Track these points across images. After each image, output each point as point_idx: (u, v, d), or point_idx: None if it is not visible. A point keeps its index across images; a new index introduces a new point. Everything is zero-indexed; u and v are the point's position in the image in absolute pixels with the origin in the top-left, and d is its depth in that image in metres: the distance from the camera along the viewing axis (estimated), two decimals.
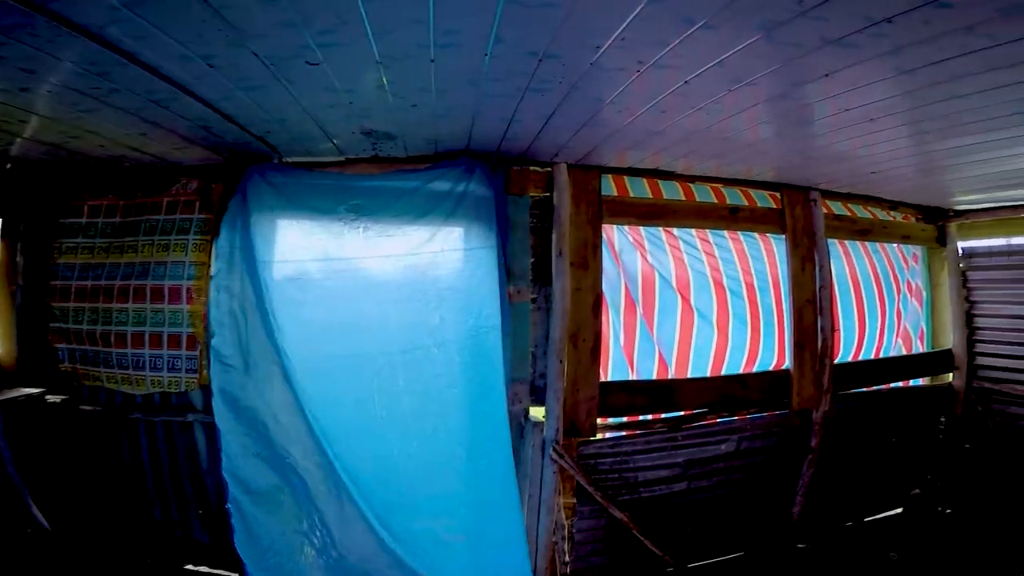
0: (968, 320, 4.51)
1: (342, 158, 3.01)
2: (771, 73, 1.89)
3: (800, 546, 3.75)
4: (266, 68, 1.88)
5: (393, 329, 2.63)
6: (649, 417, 3.47)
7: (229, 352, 2.66)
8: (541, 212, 3.22)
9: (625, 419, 3.40)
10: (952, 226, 4.54)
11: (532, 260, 3.17)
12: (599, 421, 3.28)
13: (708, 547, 3.59)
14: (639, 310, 3.41)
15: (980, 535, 3.77)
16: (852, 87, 2.00)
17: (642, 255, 3.44)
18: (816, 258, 3.69)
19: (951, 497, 4.29)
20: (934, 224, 4.54)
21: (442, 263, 2.71)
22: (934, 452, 4.47)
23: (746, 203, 3.66)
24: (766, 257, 3.76)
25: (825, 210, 3.86)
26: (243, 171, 2.93)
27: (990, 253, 4.41)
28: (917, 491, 4.20)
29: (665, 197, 3.43)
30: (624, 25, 1.58)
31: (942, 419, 4.50)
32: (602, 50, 1.75)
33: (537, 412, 3.21)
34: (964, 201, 4.25)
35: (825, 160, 3.08)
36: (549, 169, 3.16)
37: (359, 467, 2.60)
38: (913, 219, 4.49)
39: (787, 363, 3.71)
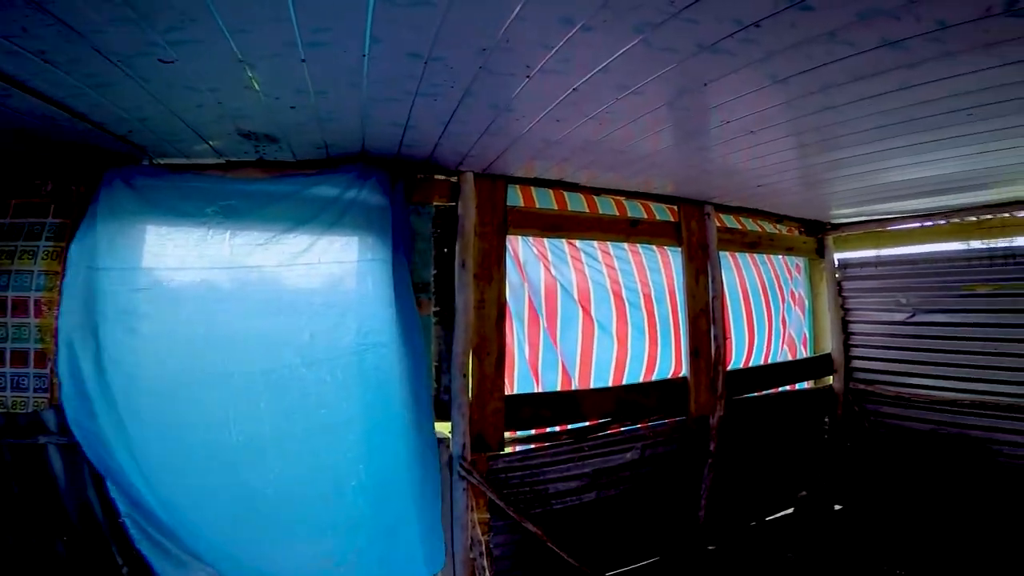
0: (844, 326, 4.89)
1: (223, 160, 2.74)
2: (655, 81, 1.90)
3: (710, 548, 3.84)
4: (114, 65, 1.68)
5: (256, 347, 2.37)
6: (556, 429, 3.43)
7: (66, 370, 2.31)
8: (445, 222, 3.10)
9: (532, 432, 3.35)
10: (830, 239, 4.93)
11: (435, 272, 3.05)
12: (507, 435, 3.22)
13: (624, 555, 3.60)
14: (543, 322, 3.37)
15: (867, 529, 4.02)
16: (733, 97, 2.05)
17: (545, 267, 3.42)
18: (709, 269, 3.84)
19: (840, 494, 4.56)
20: (814, 237, 4.91)
21: (319, 276, 2.50)
22: (821, 451, 4.77)
23: (646, 216, 3.75)
24: (663, 269, 3.87)
25: (718, 223, 4.05)
26: (102, 173, 2.60)
27: (861, 264, 4.82)
28: (804, 493, 4.44)
29: (570, 209, 3.43)
30: (505, 26, 1.52)
31: (826, 419, 4.83)
32: (488, 53, 1.69)
33: (443, 428, 3.08)
34: (840, 215, 4.61)
35: (716, 173, 3.20)
36: (455, 179, 3.07)
37: (193, 498, 2.30)
38: (796, 232, 4.83)
39: (684, 371, 3.83)
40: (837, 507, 4.44)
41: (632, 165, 3.02)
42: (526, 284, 3.34)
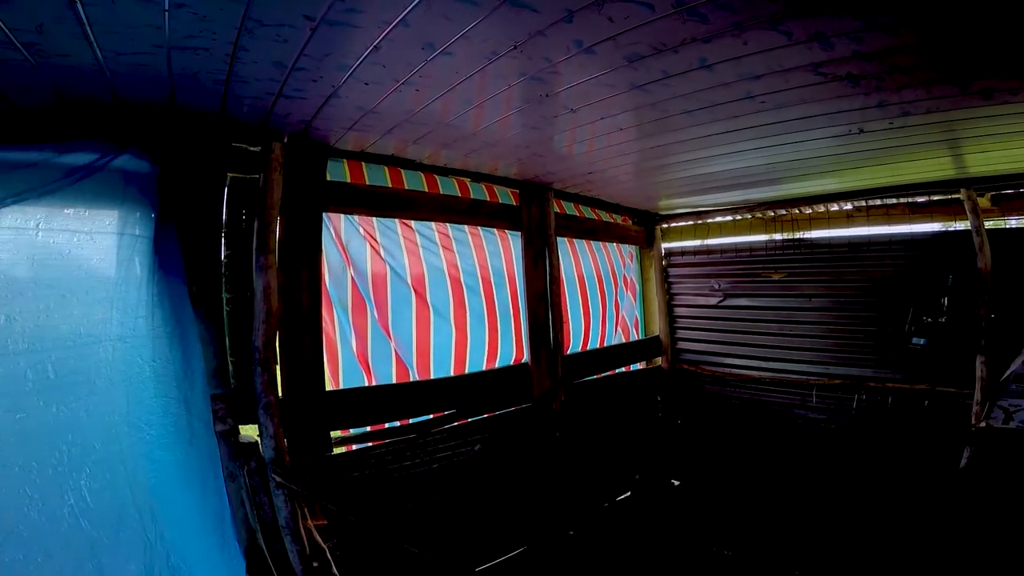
0: (670, 310, 5.11)
1: None
2: (462, 40, 1.60)
3: (570, 533, 3.71)
4: None
5: None
6: (397, 424, 3.04)
7: None
8: (245, 197, 2.52)
9: (368, 428, 2.93)
10: (658, 229, 5.10)
11: (228, 253, 2.46)
12: (338, 434, 2.76)
13: (491, 548, 3.32)
14: (371, 309, 2.93)
15: (701, 503, 4.15)
16: (546, 64, 1.80)
17: (374, 248, 2.98)
18: (547, 255, 3.68)
19: (676, 469, 4.71)
20: (645, 227, 5.04)
21: (27, 247, 1.80)
22: (656, 429, 4.94)
23: (489, 199, 3.47)
24: (503, 253, 3.63)
25: (558, 209, 3.91)
26: None
27: (683, 252, 5.05)
28: (638, 476, 4.53)
29: (407, 187, 3.03)
30: None
31: (658, 398, 5.01)
32: None
33: (250, 431, 2.54)
34: (667, 206, 4.74)
35: (550, 157, 2.98)
36: (258, 148, 2.49)
37: None
38: (630, 222, 4.91)
39: (525, 357, 3.64)
40: (675, 482, 4.57)
41: (467, 142, 2.69)
42: (350, 268, 2.88)
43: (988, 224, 3.54)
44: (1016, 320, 3.30)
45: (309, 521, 2.55)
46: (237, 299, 2.46)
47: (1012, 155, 2.89)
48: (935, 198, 3.70)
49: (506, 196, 3.58)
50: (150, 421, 1.93)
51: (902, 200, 3.85)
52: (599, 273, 4.50)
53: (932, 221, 3.87)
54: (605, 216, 4.55)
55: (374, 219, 2.98)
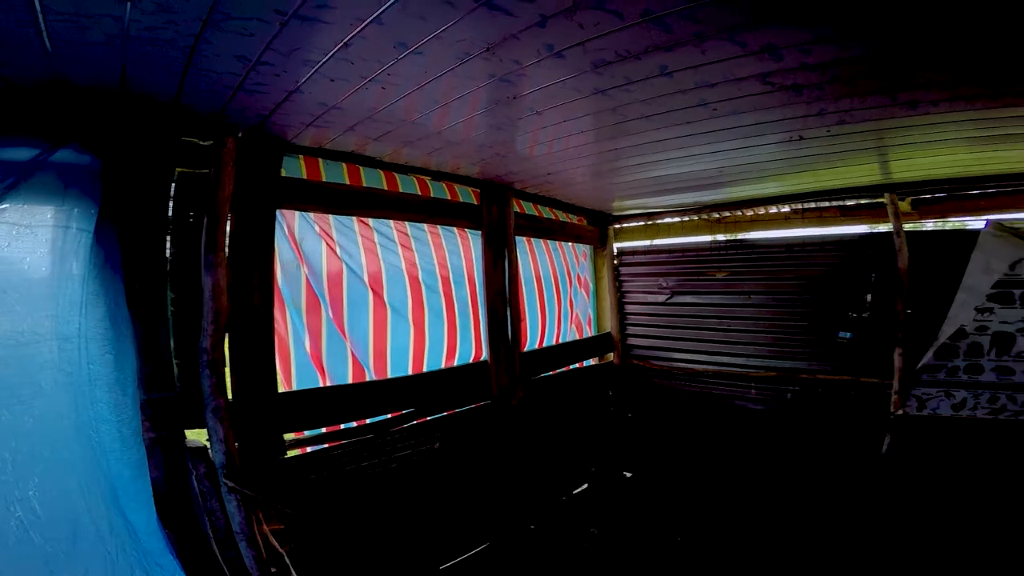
0: (620, 307, 5.20)
1: None
2: (435, 40, 1.57)
3: (532, 527, 3.69)
4: None
5: None
6: (354, 424, 2.92)
7: None
8: (196, 193, 2.34)
9: (324, 430, 2.80)
10: (611, 229, 5.18)
11: (173, 251, 2.27)
12: (292, 436, 2.62)
13: (456, 545, 3.26)
14: (326, 309, 2.80)
15: (653, 493, 4.25)
16: (516, 67, 1.78)
17: (329, 247, 2.84)
18: (507, 254, 3.65)
19: (628, 461, 4.79)
20: (599, 227, 5.10)
21: None
22: (609, 422, 5.01)
23: (449, 197, 3.39)
24: (463, 252, 3.56)
25: (517, 209, 3.89)
26: None
27: (634, 252, 5.14)
28: (594, 469, 4.59)
29: (365, 185, 2.90)
30: None
31: (610, 392, 5.09)
32: None
33: (199, 436, 2.37)
34: (620, 207, 4.81)
35: (513, 157, 2.95)
36: (209, 142, 2.31)
37: None
38: (584, 222, 4.95)
39: (484, 355, 3.59)
40: (628, 474, 4.64)
41: (430, 141, 2.61)
42: (304, 266, 2.73)
43: (907, 227, 3.79)
44: (930, 316, 3.55)
45: (265, 526, 2.42)
46: (183, 299, 2.28)
47: (931, 163, 3.10)
48: (863, 202, 3.93)
49: (467, 195, 3.52)
50: (98, 426, 1.76)
51: (834, 203, 4.07)
52: (555, 272, 4.52)
53: (860, 223, 4.11)
54: (562, 216, 4.56)
55: (330, 217, 2.84)
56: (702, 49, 1.63)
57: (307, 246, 2.73)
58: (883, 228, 3.93)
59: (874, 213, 3.92)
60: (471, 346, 3.60)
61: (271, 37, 1.51)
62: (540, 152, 2.86)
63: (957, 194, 3.62)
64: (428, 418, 3.22)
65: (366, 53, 1.64)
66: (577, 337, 4.83)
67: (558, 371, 4.42)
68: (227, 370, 2.33)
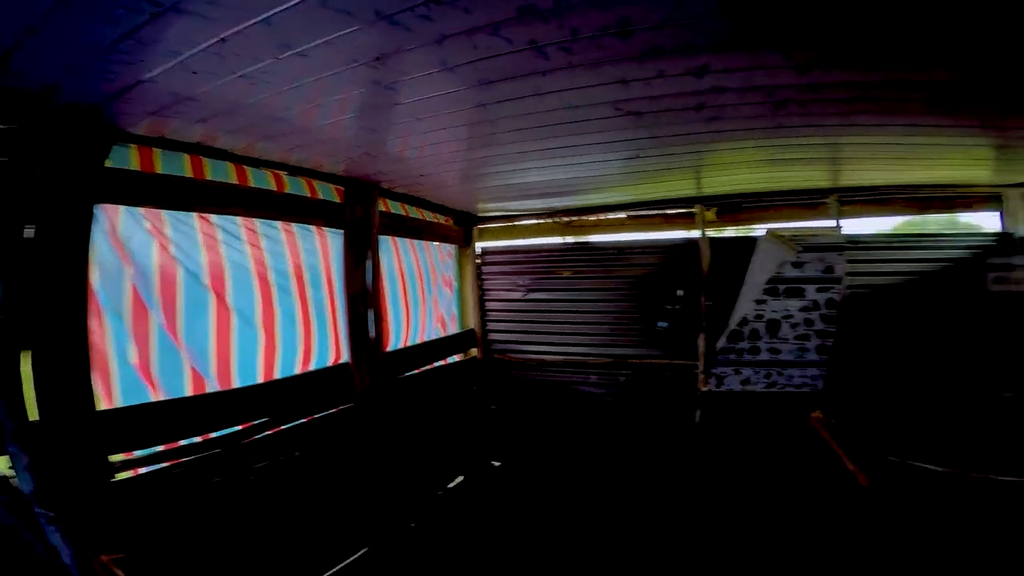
0: (482, 304, 5.39)
1: None
2: (325, 46, 1.54)
3: (412, 525, 3.62)
4: None
5: None
6: (198, 440, 2.58)
7: None
8: None
9: (162, 448, 2.44)
10: (475, 230, 5.33)
11: None
12: (121, 457, 2.27)
13: (332, 554, 3.10)
14: (155, 314, 2.43)
15: (520, 477, 4.50)
16: (403, 77, 1.81)
17: (162, 245, 2.46)
18: (371, 254, 3.55)
19: (495, 451, 4.97)
20: (464, 228, 5.21)
21: None
22: (474, 415, 5.16)
23: (309, 194, 3.16)
24: (320, 251, 3.36)
25: (383, 208, 3.80)
26: None
27: (494, 252, 5.37)
28: (466, 461, 4.69)
29: (209, 178, 2.57)
30: None
31: (474, 386, 5.25)
32: None
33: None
34: (485, 209, 4.98)
35: (384, 159, 2.90)
36: (13, 125, 1.85)
37: None
38: (451, 222, 5.02)
39: (345, 357, 3.46)
40: (496, 463, 4.82)
41: (293, 137, 2.44)
42: (129, 268, 2.33)
43: (712, 233, 4.58)
44: (725, 307, 4.35)
45: (103, 556, 2.07)
46: None
47: (731, 179, 3.80)
48: (681, 211, 4.64)
49: (329, 192, 3.33)
50: None
51: (659, 212, 4.74)
52: (420, 271, 4.51)
53: (677, 229, 4.83)
54: (429, 216, 4.56)
55: (164, 212, 2.47)
56: (572, 76, 1.82)
57: (134, 245, 2.34)
58: (695, 233, 4.69)
59: (689, 220, 4.66)
60: (330, 349, 3.43)
61: (137, 26, 1.37)
62: (412, 155, 2.87)
63: (747, 206, 4.49)
64: (284, 427, 3.00)
65: (243, 50, 1.54)
66: (442, 334, 4.88)
67: (423, 369, 4.43)
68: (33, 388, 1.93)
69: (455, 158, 2.93)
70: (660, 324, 4.64)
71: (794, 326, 4.19)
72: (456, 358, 5.10)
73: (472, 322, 5.31)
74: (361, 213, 3.47)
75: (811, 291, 4.15)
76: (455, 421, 4.77)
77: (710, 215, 4.54)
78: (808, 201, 4.32)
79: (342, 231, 3.41)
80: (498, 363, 5.36)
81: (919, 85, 1.97)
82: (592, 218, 4.97)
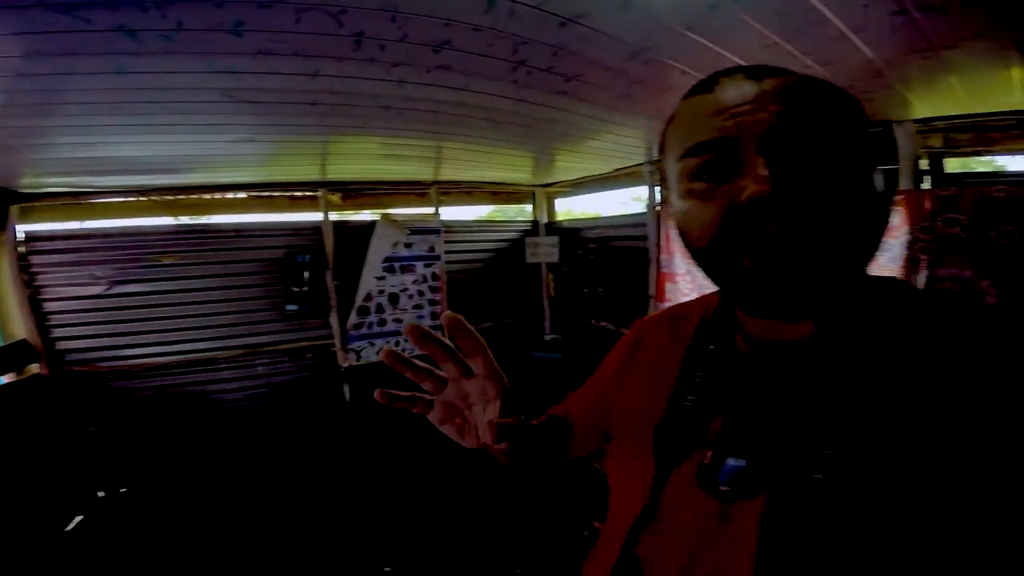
0: (37, 306, 3.96)
1: None
2: None
3: None
4: None
5: None
6: None
7: None
8: None
9: None
10: (15, 209, 3.78)
11: None
12: None
13: None
14: None
15: (154, 497, 3.69)
16: None
17: None
18: None
19: (119, 476, 3.88)
20: None
21: None
22: (64, 442, 3.77)
23: None
24: None
25: None
26: None
27: (52, 237, 3.98)
28: (102, 493, 3.58)
29: None
30: None
31: (47, 411, 3.81)
32: None
33: None
34: (35, 184, 3.64)
35: None
36: None
37: None
38: None
39: None
40: (123, 489, 3.81)
41: None
42: None
43: (335, 216, 4.78)
44: (352, 286, 4.71)
45: None
46: None
47: (354, 168, 4.08)
48: (307, 194, 4.64)
49: None
50: None
51: (285, 194, 4.60)
52: None
53: (303, 211, 4.82)
54: None
55: None
56: (170, 62, 1.62)
57: None
58: (320, 216, 4.80)
59: (315, 203, 4.73)
60: None
61: None
62: None
63: (367, 192, 4.91)
64: None
65: None
66: None
67: None
68: None
69: None
70: (289, 307, 4.60)
71: (410, 297, 4.96)
72: (5, 379, 3.63)
73: (21, 331, 3.85)
74: None
75: (420, 267, 4.98)
76: (36, 455, 3.47)
77: (335, 199, 4.74)
78: (416, 190, 5.10)
79: None
80: (81, 377, 4.10)
81: (478, 108, 2.59)
82: (207, 196, 4.36)
